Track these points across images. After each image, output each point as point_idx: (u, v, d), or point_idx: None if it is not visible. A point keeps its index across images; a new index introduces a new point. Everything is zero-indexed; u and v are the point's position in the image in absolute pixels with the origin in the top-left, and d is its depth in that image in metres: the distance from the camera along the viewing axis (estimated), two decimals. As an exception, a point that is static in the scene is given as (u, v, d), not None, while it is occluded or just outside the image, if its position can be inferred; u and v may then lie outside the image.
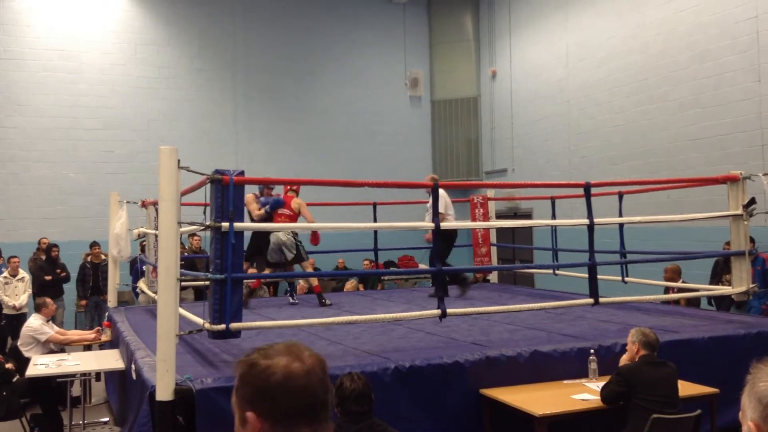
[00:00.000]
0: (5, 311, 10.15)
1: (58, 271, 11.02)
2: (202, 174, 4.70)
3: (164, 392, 4.15)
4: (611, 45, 11.32)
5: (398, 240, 10.75)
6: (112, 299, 8.91)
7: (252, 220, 8.43)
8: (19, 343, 7.46)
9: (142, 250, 9.89)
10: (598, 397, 4.49)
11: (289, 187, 8.22)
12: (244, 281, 9.02)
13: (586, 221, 5.86)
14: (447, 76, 15.20)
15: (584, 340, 5.44)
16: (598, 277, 5.92)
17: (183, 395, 4.16)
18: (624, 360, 4.77)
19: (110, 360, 6.41)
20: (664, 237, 9.68)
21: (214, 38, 13.73)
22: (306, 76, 14.35)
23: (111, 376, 7.17)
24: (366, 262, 12.16)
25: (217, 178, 4.60)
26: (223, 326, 4.58)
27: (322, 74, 14.49)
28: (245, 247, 7.32)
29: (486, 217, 9.47)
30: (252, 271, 8.71)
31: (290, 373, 1.28)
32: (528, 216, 13.15)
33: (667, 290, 7.95)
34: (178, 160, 4.50)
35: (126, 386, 5.79)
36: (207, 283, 4.80)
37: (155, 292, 5.37)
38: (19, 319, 9.70)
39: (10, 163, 12.29)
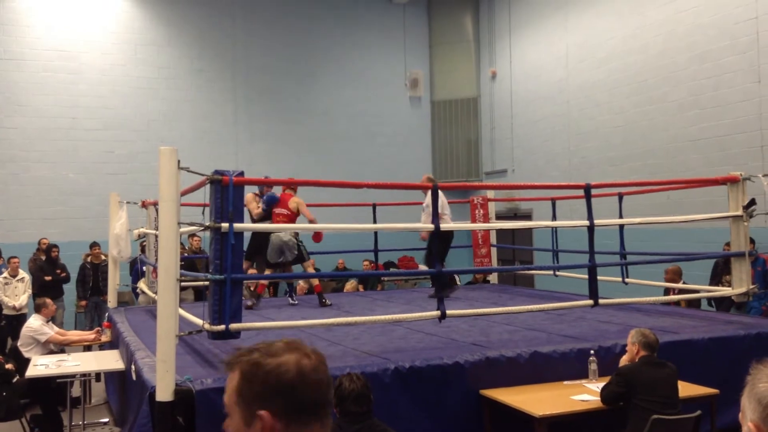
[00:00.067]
0: (5, 312, 10.15)
1: (58, 271, 11.02)
2: (202, 174, 4.71)
3: (164, 393, 4.15)
4: (611, 46, 11.32)
5: (398, 241, 10.75)
6: (111, 300, 8.91)
7: (252, 219, 8.44)
8: (19, 344, 7.46)
9: (142, 250, 9.89)
10: (598, 398, 4.49)
11: (285, 186, 8.20)
12: (250, 286, 9.03)
13: (586, 222, 5.86)
14: (447, 76, 15.20)
15: (584, 341, 5.44)
16: (598, 278, 5.92)
17: (183, 396, 4.16)
18: (624, 361, 4.77)
19: (110, 360, 6.41)
20: (664, 238, 9.68)
21: (214, 39, 13.74)
22: (306, 77, 14.36)
23: (111, 376, 7.17)
24: (366, 263, 12.16)
25: (217, 178, 4.61)
26: (222, 327, 4.58)
27: (322, 75, 14.49)
28: (245, 247, 7.33)
29: (486, 218, 9.46)
30: (252, 271, 8.71)
31: (302, 369, 1.29)
32: (528, 217, 13.15)
33: (667, 291, 7.95)
34: (178, 161, 4.50)
35: (126, 387, 5.79)
36: (207, 283, 4.80)
37: (155, 293, 5.37)
38: (19, 319, 9.70)
39: (9, 163, 12.29)
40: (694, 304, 7.97)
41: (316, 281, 8.63)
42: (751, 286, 6.50)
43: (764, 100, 8.78)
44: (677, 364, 4.60)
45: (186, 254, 10.00)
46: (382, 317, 5.43)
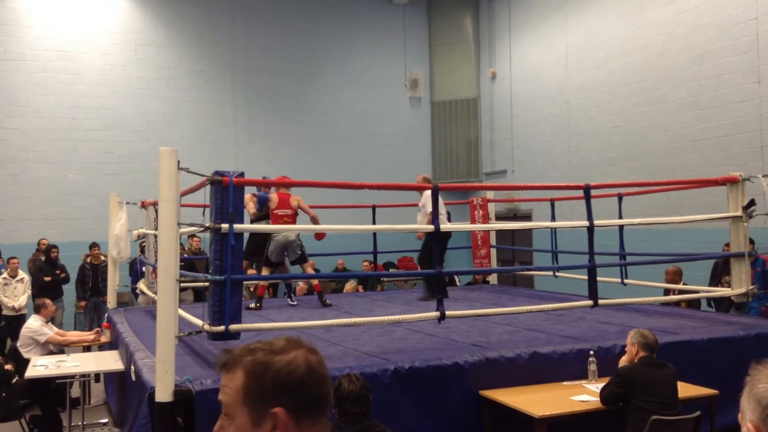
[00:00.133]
0: (5, 312, 10.14)
1: (58, 272, 11.02)
2: (202, 175, 4.71)
3: (164, 393, 4.15)
4: (611, 46, 11.33)
5: (398, 242, 10.74)
6: (111, 300, 8.91)
7: (250, 220, 8.42)
8: (18, 344, 7.46)
9: (142, 251, 9.89)
10: (598, 399, 4.49)
11: (280, 186, 8.09)
12: (250, 287, 9.02)
13: (586, 223, 5.86)
14: (447, 77, 15.21)
15: (584, 341, 5.44)
16: (598, 278, 5.92)
17: (182, 396, 4.16)
18: (623, 361, 4.77)
19: (109, 361, 6.41)
20: (663, 238, 9.68)
21: (214, 39, 13.74)
22: (306, 77, 14.36)
23: (110, 377, 7.17)
24: (365, 264, 12.16)
25: (217, 179, 4.61)
26: (222, 328, 4.58)
27: (321, 75, 14.50)
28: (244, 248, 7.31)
29: (485, 218, 9.46)
30: (252, 271, 8.71)
31: (311, 365, 1.30)
32: (528, 218, 13.15)
33: (666, 292, 7.94)
34: (178, 161, 4.51)
35: (125, 387, 5.79)
36: (206, 284, 4.80)
37: (155, 294, 5.37)
38: (19, 320, 9.70)
39: (9, 164, 12.28)
40: (694, 304, 7.97)
41: (315, 281, 8.63)
42: (751, 287, 6.50)
43: (764, 101, 8.78)
44: (677, 364, 4.60)
45: (186, 255, 10.00)
46: (382, 318, 5.43)
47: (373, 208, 9.57)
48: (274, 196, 7.92)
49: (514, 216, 13.71)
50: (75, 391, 6.79)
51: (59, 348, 7.68)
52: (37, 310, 7.66)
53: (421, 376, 4.71)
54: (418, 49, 15.22)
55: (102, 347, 7.90)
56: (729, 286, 6.87)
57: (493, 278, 10.86)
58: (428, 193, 7.89)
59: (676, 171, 9.93)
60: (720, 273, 8.13)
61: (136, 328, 6.72)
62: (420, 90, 15.17)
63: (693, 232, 9.33)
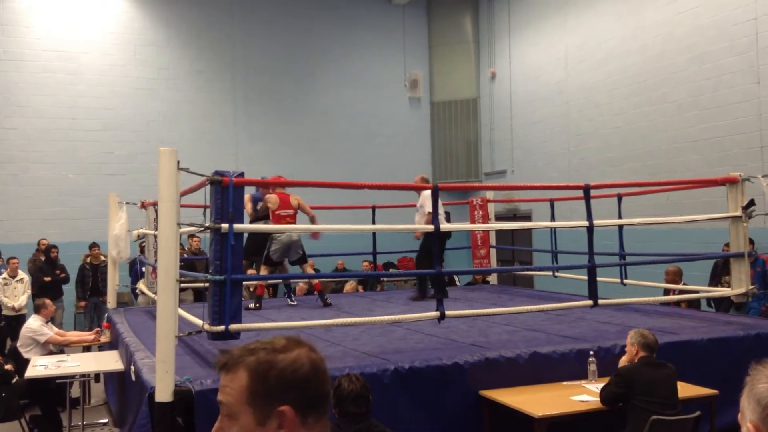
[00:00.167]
0: (4, 312, 10.14)
1: (58, 272, 11.02)
2: (202, 175, 4.71)
3: (163, 393, 4.15)
4: (610, 47, 11.33)
5: (397, 242, 10.73)
6: (111, 300, 8.90)
7: (250, 220, 8.41)
8: (18, 344, 7.46)
9: (142, 251, 9.89)
10: (598, 399, 4.49)
11: (277, 186, 8.05)
12: (249, 287, 9.00)
13: (586, 223, 5.86)
14: (446, 77, 15.21)
15: (583, 341, 5.44)
16: (598, 279, 5.92)
17: (182, 396, 4.17)
18: (623, 361, 4.77)
19: (109, 361, 6.41)
20: (663, 239, 9.68)
21: (213, 39, 13.74)
22: (305, 77, 14.36)
23: (110, 377, 7.17)
24: (365, 264, 12.16)
25: (217, 179, 4.61)
26: (222, 328, 4.59)
27: (321, 76, 14.50)
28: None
29: (485, 219, 9.46)
30: (251, 271, 8.70)
31: (314, 363, 1.31)
32: (527, 218, 13.15)
33: (666, 292, 7.95)
34: (178, 162, 4.51)
35: (125, 387, 5.79)
36: (206, 284, 4.80)
37: (155, 294, 5.37)
38: (19, 320, 9.70)
39: (9, 164, 12.28)
40: (694, 304, 7.97)
41: (316, 280, 8.62)
42: (751, 287, 6.50)
43: (763, 101, 8.79)
44: (677, 364, 4.61)
45: (185, 255, 10.00)
46: (382, 318, 5.44)
47: (373, 208, 9.57)
48: (274, 196, 7.88)
49: (514, 216, 13.71)
50: (75, 391, 6.79)
51: (59, 348, 7.68)
52: (37, 310, 7.66)
53: (420, 376, 4.71)
54: (418, 50, 15.23)
55: (102, 347, 7.90)
56: (729, 286, 6.87)
57: (492, 278, 10.86)
58: (426, 193, 7.89)
59: (675, 171, 9.93)
60: (720, 273, 8.13)
61: (135, 328, 6.72)
62: (419, 90, 15.17)
63: (693, 233, 9.34)
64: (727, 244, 7.25)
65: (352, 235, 11.84)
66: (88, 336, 8.02)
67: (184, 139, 12.81)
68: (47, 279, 10.75)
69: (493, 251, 9.84)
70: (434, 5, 15.29)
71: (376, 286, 12.07)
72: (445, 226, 6.83)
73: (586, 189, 5.95)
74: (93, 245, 11.32)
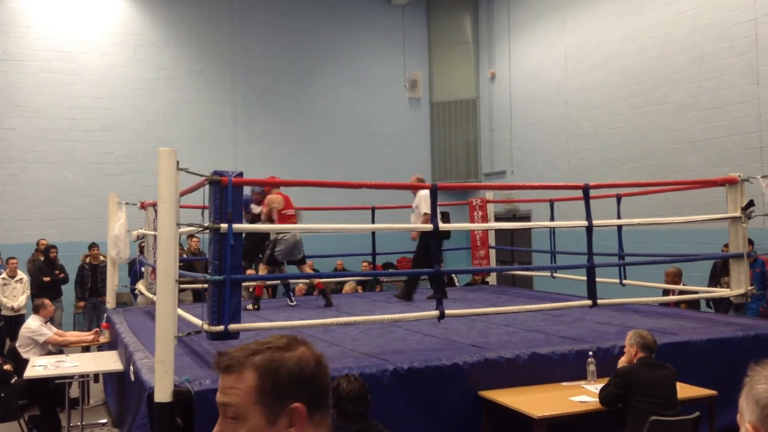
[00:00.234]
0: (3, 312, 10.14)
1: (57, 272, 11.01)
2: (201, 175, 4.70)
3: (163, 394, 4.15)
4: (610, 47, 11.34)
5: (397, 242, 10.73)
6: (110, 300, 8.90)
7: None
8: (17, 345, 7.45)
9: (141, 251, 9.89)
10: (597, 399, 4.49)
11: (274, 186, 8.02)
12: (249, 287, 8.98)
13: (585, 223, 5.86)
14: (446, 78, 15.21)
15: (583, 342, 5.44)
16: (597, 279, 5.92)
17: (181, 397, 4.17)
18: (622, 362, 4.77)
19: (109, 361, 6.41)
20: (662, 239, 9.69)
21: (213, 40, 13.74)
22: (305, 77, 14.36)
23: (109, 377, 7.16)
24: (365, 264, 12.16)
25: (216, 179, 4.61)
26: (221, 328, 4.59)
27: (321, 76, 14.50)
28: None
29: (484, 219, 9.46)
30: (251, 272, 8.70)
31: (318, 360, 1.33)
32: (527, 218, 13.16)
33: (666, 292, 7.95)
34: (177, 162, 4.50)
35: (124, 388, 5.79)
36: (206, 285, 4.80)
37: (154, 294, 5.37)
38: (18, 320, 9.69)
39: (8, 164, 12.28)
40: (693, 305, 7.97)
41: (316, 280, 8.61)
42: (750, 288, 6.50)
43: (763, 102, 8.79)
44: (676, 365, 4.61)
45: (185, 255, 10.00)
46: (381, 317, 5.44)
47: (372, 209, 9.57)
48: (279, 197, 7.84)
49: (513, 217, 13.72)
50: (74, 392, 6.79)
51: (58, 348, 7.67)
52: (36, 310, 7.65)
53: (420, 377, 4.71)
54: (418, 50, 15.23)
55: (101, 347, 7.90)
56: (728, 287, 6.87)
57: (492, 279, 10.86)
58: (422, 194, 7.89)
59: (675, 172, 9.93)
60: (719, 274, 8.14)
61: (135, 328, 6.72)
62: (419, 91, 15.17)
63: (692, 233, 9.34)
64: (726, 245, 7.25)
65: (352, 236, 11.85)
66: (87, 336, 8.01)
67: (183, 140, 12.81)
68: (46, 279, 10.74)
69: (492, 252, 9.84)
70: (434, 6, 15.29)
71: (375, 287, 12.07)
72: (443, 225, 6.82)
73: (586, 189, 5.95)
74: (92, 245, 11.31)
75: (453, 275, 12.31)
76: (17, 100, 12.38)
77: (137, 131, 13.03)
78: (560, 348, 5.21)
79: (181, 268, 5.01)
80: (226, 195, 4.60)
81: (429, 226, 5.60)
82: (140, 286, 8.77)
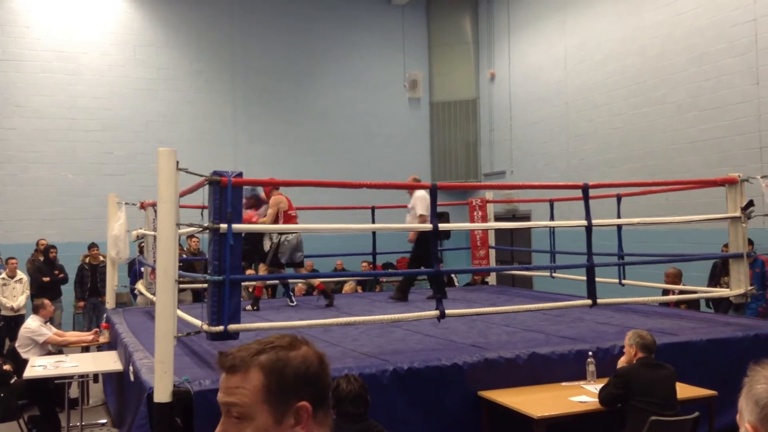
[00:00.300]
0: (3, 312, 10.14)
1: (56, 272, 11.01)
2: (201, 175, 4.70)
3: (162, 394, 4.15)
4: (609, 47, 11.34)
5: (396, 242, 10.73)
6: (110, 301, 8.90)
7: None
8: (17, 345, 7.45)
9: (141, 251, 9.89)
10: (597, 399, 4.49)
11: (271, 188, 7.99)
12: (249, 287, 8.97)
13: (585, 222, 5.86)
14: (446, 78, 15.21)
15: (582, 342, 5.44)
16: (596, 279, 5.92)
17: (181, 397, 4.16)
18: (622, 362, 4.77)
19: (108, 361, 6.41)
20: (662, 239, 9.69)
21: (213, 40, 13.74)
22: (305, 77, 14.36)
23: (109, 377, 7.16)
24: (364, 264, 12.16)
25: (216, 179, 4.61)
26: (221, 328, 4.58)
27: (321, 76, 14.50)
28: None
29: (484, 219, 9.46)
30: (250, 272, 8.69)
31: (321, 359, 1.33)
32: (526, 218, 13.16)
33: (665, 292, 7.95)
34: (177, 162, 4.50)
35: (124, 388, 5.79)
36: (205, 285, 4.80)
37: (153, 294, 5.36)
38: (17, 320, 9.69)
39: (8, 164, 12.28)
40: (693, 305, 7.97)
41: (317, 280, 8.60)
42: (749, 288, 6.50)
43: (762, 102, 8.79)
44: (675, 365, 4.61)
45: (184, 255, 9.99)
46: (381, 317, 5.44)
47: (372, 209, 9.57)
48: (283, 198, 7.82)
49: (513, 217, 13.72)
50: (74, 392, 6.79)
51: (58, 348, 7.67)
52: (36, 310, 7.65)
53: (419, 377, 4.71)
54: (417, 50, 15.23)
55: (101, 348, 7.90)
56: (728, 287, 6.87)
57: (492, 279, 10.86)
58: (418, 194, 7.89)
59: (674, 172, 9.93)
60: (719, 274, 8.14)
61: (134, 328, 6.72)
62: (419, 91, 15.17)
63: (692, 233, 9.34)
64: (726, 245, 7.25)
65: (352, 236, 11.85)
66: (87, 336, 8.01)
67: (183, 140, 12.80)
68: (46, 279, 10.74)
69: (492, 252, 9.84)
70: (434, 6, 15.29)
71: (375, 287, 12.07)
72: (442, 226, 6.81)
73: (585, 189, 5.95)
74: (92, 245, 11.31)
75: (453, 275, 12.31)
76: (17, 100, 12.38)
77: (137, 131, 13.03)
78: (560, 348, 5.21)
79: (180, 268, 5.01)
80: (226, 195, 4.59)
81: (428, 226, 5.60)
82: (140, 286, 8.77)
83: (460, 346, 5.35)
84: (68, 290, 11.22)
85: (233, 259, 4.62)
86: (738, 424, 1.34)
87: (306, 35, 14.37)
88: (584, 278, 6.02)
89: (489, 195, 9.98)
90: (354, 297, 9.72)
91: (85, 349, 7.96)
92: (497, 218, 11.26)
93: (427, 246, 8.07)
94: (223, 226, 4.56)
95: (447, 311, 5.26)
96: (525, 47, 13.55)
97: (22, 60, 12.39)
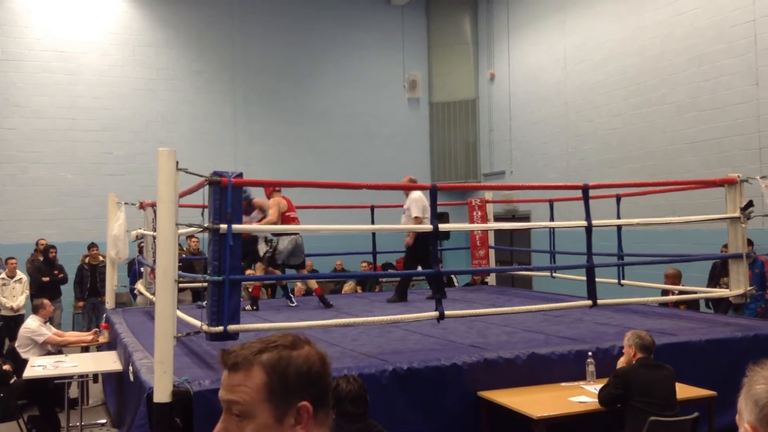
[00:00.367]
0: (3, 313, 10.13)
1: (56, 272, 11.01)
2: (201, 176, 4.70)
3: (162, 394, 4.15)
4: (609, 48, 11.34)
5: (396, 242, 10.73)
6: (109, 301, 8.89)
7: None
8: (16, 345, 7.45)
9: (140, 251, 9.88)
10: (596, 400, 4.50)
11: (272, 188, 8.00)
12: (248, 287, 8.96)
13: (584, 223, 5.86)
14: (445, 78, 15.22)
15: (582, 342, 5.44)
16: (596, 279, 5.92)
17: (180, 397, 4.16)
18: (621, 363, 4.78)
19: (108, 362, 6.41)
20: (661, 239, 9.69)
21: (212, 40, 13.74)
22: (305, 78, 14.37)
23: (108, 377, 7.16)
24: (364, 264, 12.16)
25: (215, 179, 4.61)
26: (220, 328, 4.58)
27: (320, 76, 14.50)
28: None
29: (484, 219, 9.46)
30: (250, 272, 8.68)
31: (323, 359, 1.33)
32: (526, 218, 13.16)
33: (664, 293, 7.95)
34: (177, 162, 4.50)
35: (123, 388, 5.79)
36: (205, 285, 4.80)
37: (153, 294, 5.36)
38: (17, 320, 9.69)
39: (7, 164, 12.28)
40: (692, 305, 7.97)
41: (315, 284, 8.58)
42: (749, 288, 6.50)
43: (762, 103, 8.80)
44: (675, 365, 4.61)
45: (184, 255, 9.99)
46: (381, 318, 5.44)
47: (372, 208, 9.56)
48: (282, 200, 7.82)
49: (513, 217, 13.72)
50: (73, 392, 6.78)
51: (57, 348, 7.67)
52: (36, 310, 7.65)
53: (419, 377, 4.71)
54: (417, 50, 15.23)
55: (100, 348, 7.90)
56: (727, 288, 6.87)
57: (491, 279, 10.86)
58: (413, 196, 7.88)
59: (674, 172, 9.94)
60: (718, 274, 8.14)
61: (134, 328, 6.72)
62: (418, 91, 15.18)
63: (691, 233, 9.35)
64: (725, 245, 7.25)
65: (351, 235, 11.85)
66: (87, 336, 8.01)
67: (183, 140, 12.80)
68: (45, 279, 10.74)
69: (492, 252, 9.84)
70: (433, 6, 15.30)
71: (374, 287, 12.07)
72: (442, 226, 6.81)
73: (585, 189, 5.95)
74: (91, 245, 11.30)
75: (452, 275, 12.31)
76: (17, 100, 12.38)
77: (136, 131, 13.03)
78: (559, 348, 5.21)
79: (180, 268, 5.01)
80: (226, 195, 4.60)
81: (428, 227, 5.60)
82: (139, 286, 8.76)
83: (459, 346, 5.35)
84: (68, 290, 11.22)
85: (233, 260, 4.62)
86: (737, 424, 1.34)
87: (306, 35, 14.37)
88: (584, 278, 6.02)
89: (489, 195, 9.99)
90: (353, 297, 9.72)
91: (85, 349, 7.96)
92: (497, 218, 11.26)
93: (425, 247, 8.08)
94: (223, 226, 4.56)
95: (446, 312, 5.25)
96: (525, 47, 13.56)
97: (22, 60, 12.39)
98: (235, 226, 4.63)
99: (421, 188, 7.42)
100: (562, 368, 5.08)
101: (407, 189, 7.78)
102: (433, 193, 5.60)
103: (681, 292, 7.67)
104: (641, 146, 10.66)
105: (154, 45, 13.28)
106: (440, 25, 15.23)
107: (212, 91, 13.71)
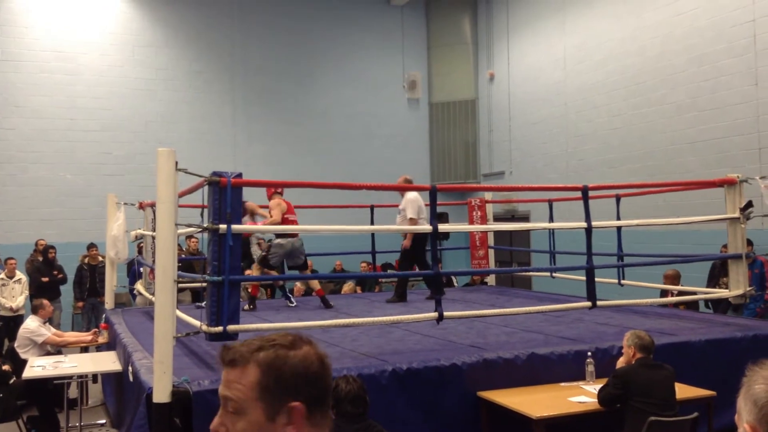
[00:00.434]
0: (2, 313, 10.12)
1: (55, 272, 11.00)
2: (200, 176, 4.70)
3: (161, 394, 4.15)
4: (609, 48, 11.34)
5: (396, 242, 10.72)
6: (109, 301, 8.89)
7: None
8: (16, 345, 7.45)
9: (140, 251, 9.88)
10: (595, 400, 4.50)
11: (274, 190, 8.00)
12: (248, 287, 8.95)
13: (584, 224, 5.86)
14: (445, 78, 15.22)
15: (581, 342, 5.44)
16: (596, 280, 5.92)
17: (180, 397, 4.16)
18: (620, 363, 4.77)
19: (107, 362, 6.40)
20: (661, 240, 9.69)
21: (212, 40, 13.74)
22: (304, 78, 14.37)
23: (108, 378, 7.16)
24: (363, 265, 12.16)
25: (215, 180, 4.61)
26: (220, 328, 4.58)
27: (320, 76, 14.50)
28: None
29: (483, 219, 9.46)
30: (249, 272, 8.67)
31: (322, 359, 1.33)
32: (526, 219, 13.16)
33: (664, 293, 7.95)
34: (176, 162, 4.50)
35: (123, 388, 5.79)
36: (204, 285, 4.80)
37: (152, 294, 5.36)
38: (16, 320, 9.69)
39: (7, 164, 12.28)
40: (692, 306, 7.98)
41: (317, 285, 8.58)
42: (748, 288, 6.50)
43: (761, 103, 8.80)
44: (674, 365, 4.61)
45: (183, 256, 9.99)
46: (380, 318, 5.44)
47: (372, 208, 9.56)
48: (282, 202, 7.81)
49: (512, 217, 13.72)
50: (73, 392, 6.78)
51: (57, 349, 7.67)
52: (35, 310, 7.64)
53: (418, 377, 4.71)
54: (417, 51, 15.24)
55: (100, 348, 7.89)
56: (726, 288, 6.87)
57: (491, 279, 10.86)
58: (409, 197, 7.86)
59: (674, 173, 9.94)
60: (718, 274, 8.15)
61: (133, 328, 6.72)
62: (418, 91, 15.18)
63: (691, 234, 9.35)
64: (725, 246, 7.25)
65: (351, 236, 11.84)
66: (86, 337, 8.01)
67: (182, 140, 12.80)
68: (45, 279, 10.74)
69: (491, 252, 9.84)
70: (433, 6, 15.30)
71: (374, 287, 12.07)
72: (441, 227, 6.81)
73: (585, 190, 5.95)
74: (91, 246, 11.30)
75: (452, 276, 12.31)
76: (16, 100, 12.37)
77: (136, 131, 13.03)
78: (559, 348, 5.21)
79: (179, 268, 5.01)
80: (225, 196, 4.59)
81: (428, 228, 5.60)
82: (139, 286, 8.76)
83: (458, 346, 5.35)
84: (67, 290, 11.22)
85: (232, 260, 4.62)
86: (736, 424, 1.34)
87: (306, 35, 14.37)
88: (584, 278, 6.02)
89: (488, 195, 9.98)
90: (353, 297, 9.71)
91: (84, 350, 7.96)
92: (496, 218, 11.25)
93: (422, 247, 8.08)
94: (223, 226, 4.56)
95: (446, 313, 5.25)
96: (524, 47, 13.56)
97: (22, 60, 12.38)
98: (235, 227, 4.63)
99: (421, 189, 7.41)
100: (562, 368, 5.08)
101: (406, 190, 7.77)
102: (433, 194, 5.60)
103: (680, 293, 7.67)
104: (641, 146, 10.66)
105: (153, 45, 13.28)
106: (440, 25, 15.23)
107: (212, 92, 13.71)
